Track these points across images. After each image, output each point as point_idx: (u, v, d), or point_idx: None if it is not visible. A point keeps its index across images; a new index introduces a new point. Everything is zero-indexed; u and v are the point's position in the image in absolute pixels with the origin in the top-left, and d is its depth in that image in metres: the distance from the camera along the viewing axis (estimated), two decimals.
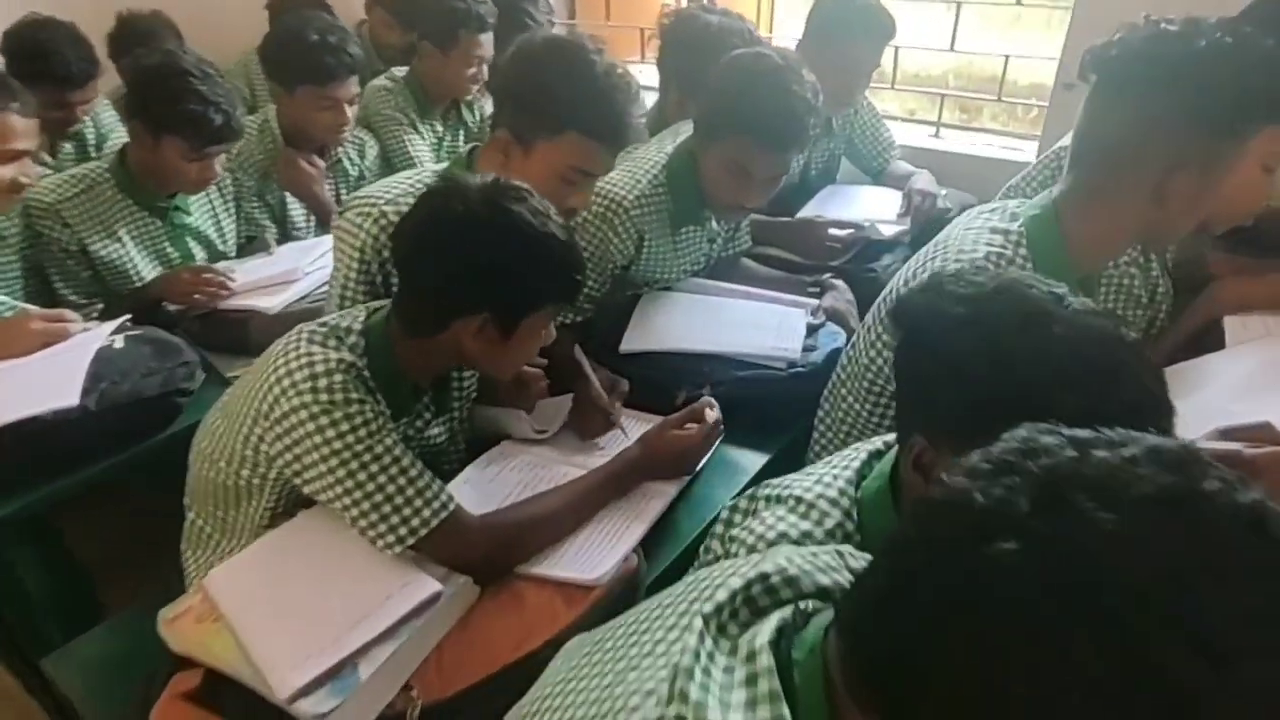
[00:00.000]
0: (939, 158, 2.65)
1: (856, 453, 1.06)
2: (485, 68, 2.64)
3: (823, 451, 1.59)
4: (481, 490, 1.42)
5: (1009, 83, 2.76)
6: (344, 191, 2.52)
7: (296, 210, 2.45)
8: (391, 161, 2.65)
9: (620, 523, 1.38)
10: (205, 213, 2.20)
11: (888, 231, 2.16)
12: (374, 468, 1.17)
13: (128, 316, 1.72)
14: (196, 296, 1.94)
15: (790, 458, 1.61)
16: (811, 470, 1.08)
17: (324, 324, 1.26)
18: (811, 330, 1.80)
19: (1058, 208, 1.29)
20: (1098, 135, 1.23)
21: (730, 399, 1.62)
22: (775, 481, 1.08)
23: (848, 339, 1.75)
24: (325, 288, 1.94)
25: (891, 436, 1.03)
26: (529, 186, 1.24)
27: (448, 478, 1.40)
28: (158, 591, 1.31)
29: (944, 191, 2.31)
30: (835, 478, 1.02)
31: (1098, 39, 1.18)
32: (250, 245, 2.32)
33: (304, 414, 1.16)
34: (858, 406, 1.52)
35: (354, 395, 1.17)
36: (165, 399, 1.63)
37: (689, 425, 1.47)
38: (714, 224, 1.96)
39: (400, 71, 2.73)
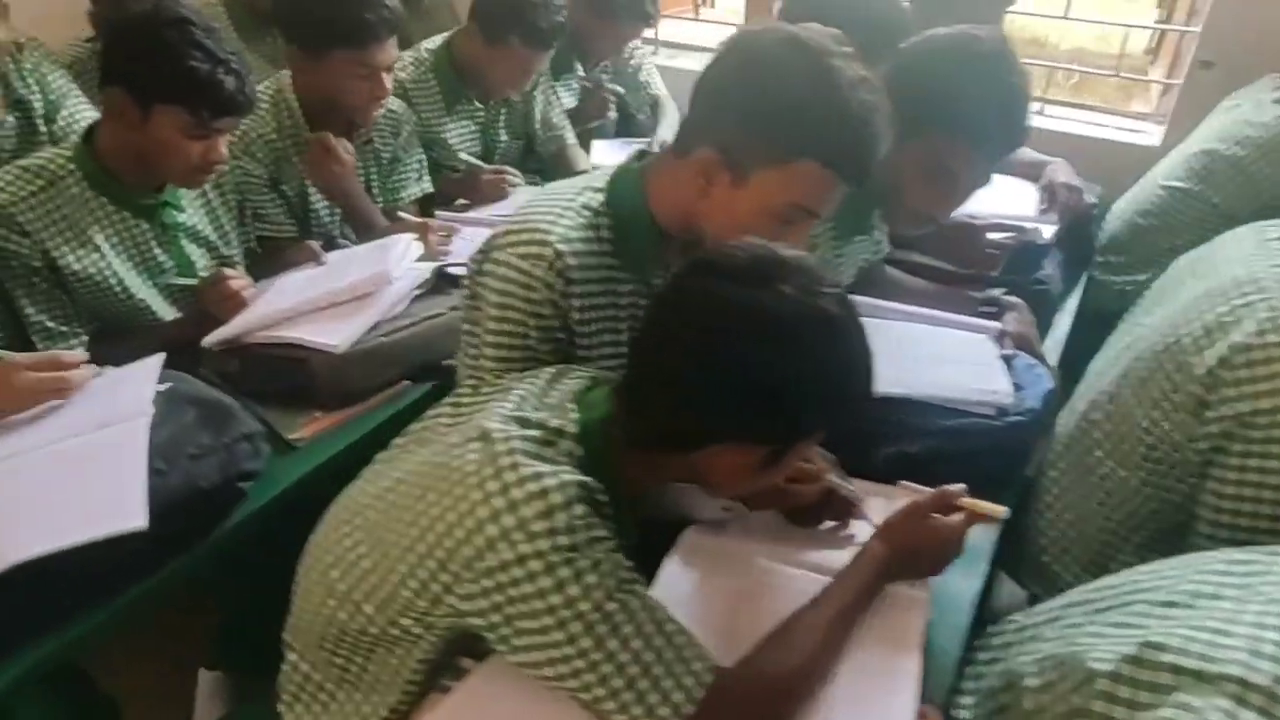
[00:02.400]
0: (1044, 139, 2.33)
1: None
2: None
3: (1068, 529, 1.32)
4: (688, 609, 1.08)
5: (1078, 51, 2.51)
6: (374, 180, 2.07)
7: (321, 205, 1.98)
8: (428, 146, 2.23)
9: (877, 652, 1.06)
10: (199, 209, 1.71)
11: (1046, 233, 1.87)
12: (627, 629, 0.84)
13: (160, 357, 1.30)
14: None
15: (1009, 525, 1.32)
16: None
17: (523, 419, 0.90)
18: (1005, 363, 1.50)
19: None
20: None
21: (934, 455, 1.32)
22: (1163, 639, 0.82)
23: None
24: (400, 317, 1.56)
25: None
26: (797, 257, 0.91)
27: None
28: None
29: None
30: None
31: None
32: (269, 249, 1.88)
33: (536, 564, 0.81)
34: (1123, 474, 1.24)
35: (598, 534, 0.84)
36: (226, 490, 1.18)
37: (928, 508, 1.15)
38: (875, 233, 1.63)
39: (431, 44, 2.28)
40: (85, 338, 1.56)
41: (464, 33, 2.19)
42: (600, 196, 1.18)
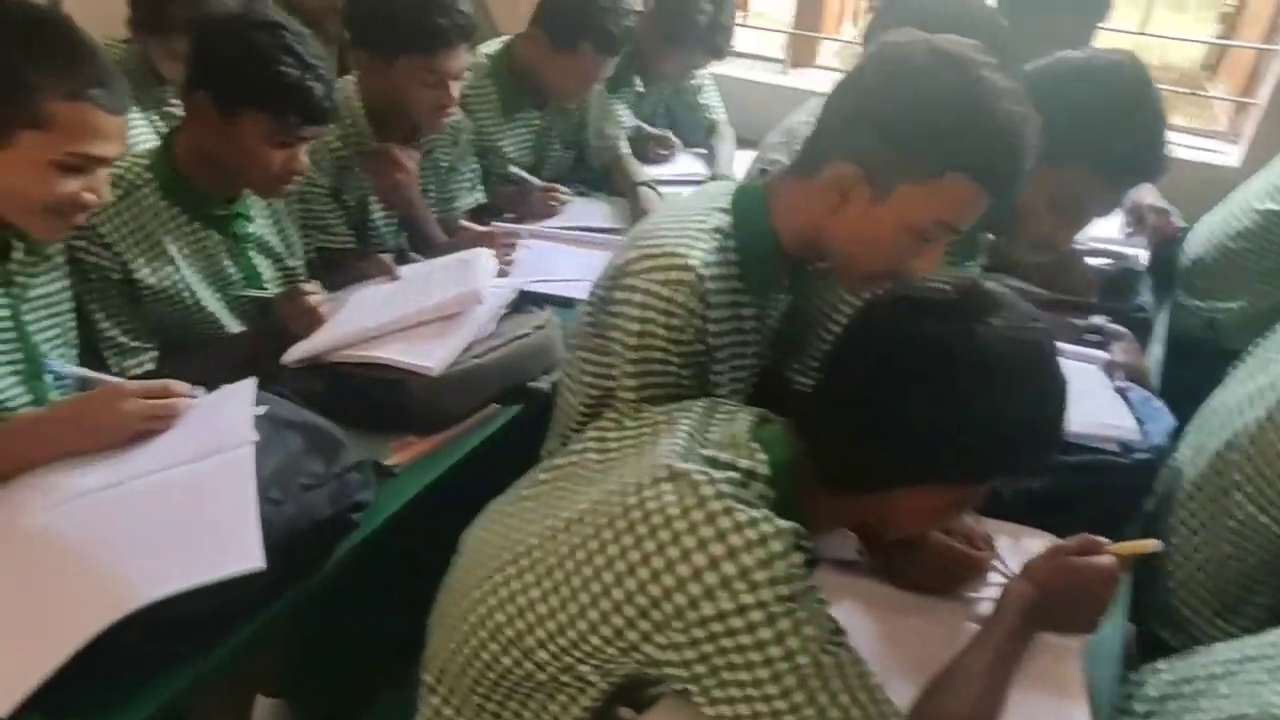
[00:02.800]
0: None
1: None
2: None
3: (1198, 571, 1.28)
4: None
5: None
6: (431, 190, 2.00)
7: (379, 215, 1.90)
8: (481, 154, 2.17)
9: (1042, 702, 1.00)
10: (266, 219, 1.64)
11: (1142, 258, 1.82)
12: (836, 684, 0.81)
13: (253, 381, 1.23)
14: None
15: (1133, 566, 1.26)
16: None
17: (713, 459, 0.87)
18: (1121, 395, 1.45)
19: None
20: None
21: (1059, 492, 1.26)
22: None
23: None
24: (489, 337, 1.49)
25: None
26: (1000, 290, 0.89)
27: None
28: None
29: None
30: None
31: None
32: (329, 261, 1.81)
33: (757, 615, 0.77)
34: (1264, 520, 1.19)
35: (811, 584, 0.82)
36: (339, 521, 1.12)
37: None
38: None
39: (488, 49, 2.21)
40: (155, 352, 1.49)
41: (526, 37, 2.13)
42: (727, 218, 1.12)
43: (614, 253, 1.16)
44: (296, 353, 1.45)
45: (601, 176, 2.42)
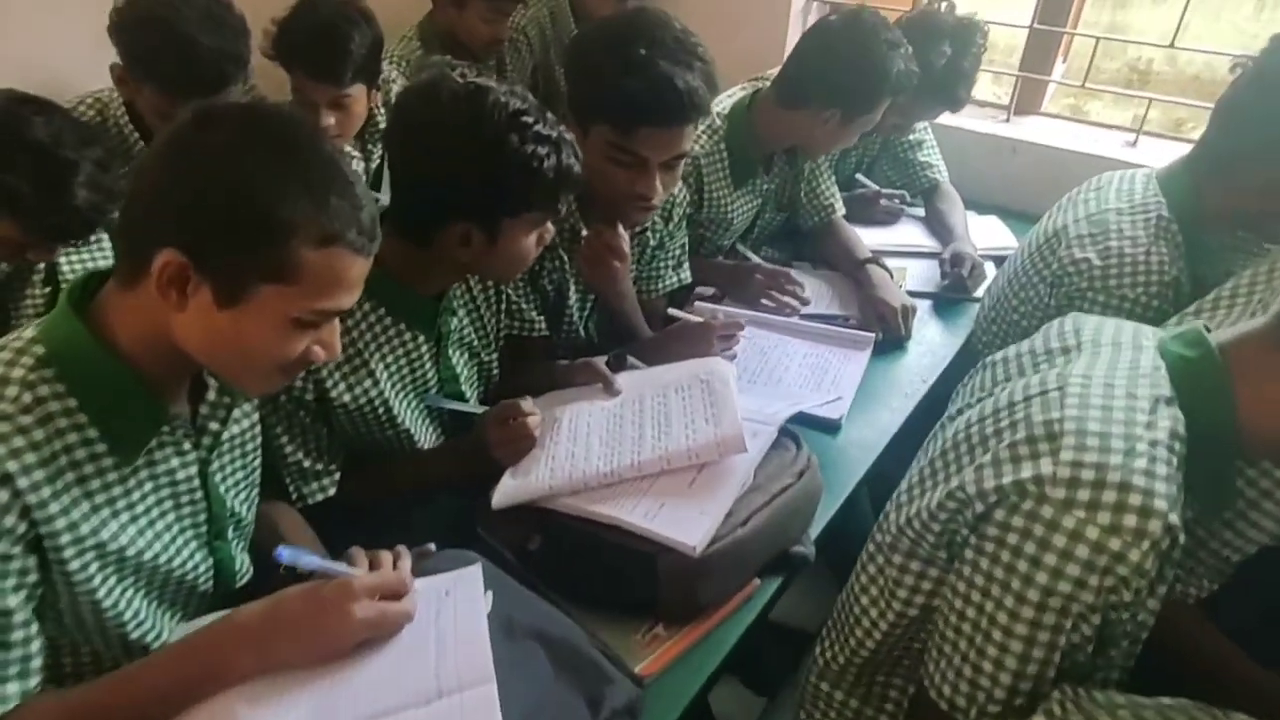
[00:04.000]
0: None
1: None
2: None
3: None
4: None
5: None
6: (632, 269, 1.72)
7: (575, 301, 1.64)
8: (703, 225, 1.89)
9: None
10: (463, 307, 1.40)
11: None
12: None
13: (477, 572, 0.96)
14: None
15: None
16: None
17: None
18: None
19: None
20: None
21: None
22: None
23: None
24: (750, 491, 1.19)
25: None
26: None
27: None
28: None
29: None
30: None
31: None
32: (518, 350, 1.54)
33: None
34: None
35: None
36: None
37: None
38: None
39: (721, 108, 1.88)
40: (337, 475, 1.26)
41: (768, 97, 1.83)
42: (1177, 416, 0.80)
43: (972, 428, 0.86)
44: (509, 495, 1.19)
45: (813, 240, 2.11)
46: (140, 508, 0.90)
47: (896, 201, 2.27)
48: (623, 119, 1.37)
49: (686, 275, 1.84)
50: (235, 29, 1.59)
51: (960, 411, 1.03)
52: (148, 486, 0.91)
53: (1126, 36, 3.36)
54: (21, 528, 0.79)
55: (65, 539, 0.82)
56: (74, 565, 0.84)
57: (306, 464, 1.22)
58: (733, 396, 1.24)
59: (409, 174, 1.19)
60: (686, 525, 1.06)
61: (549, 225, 1.26)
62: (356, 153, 2.05)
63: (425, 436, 1.36)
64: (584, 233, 1.54)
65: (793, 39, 2.45)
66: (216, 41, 1.55)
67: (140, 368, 0.86)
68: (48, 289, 1.55)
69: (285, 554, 0.86)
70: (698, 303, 1.83)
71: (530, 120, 1.13)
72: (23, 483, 0.78)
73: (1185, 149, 1.49)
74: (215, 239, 0.79)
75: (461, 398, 1.38)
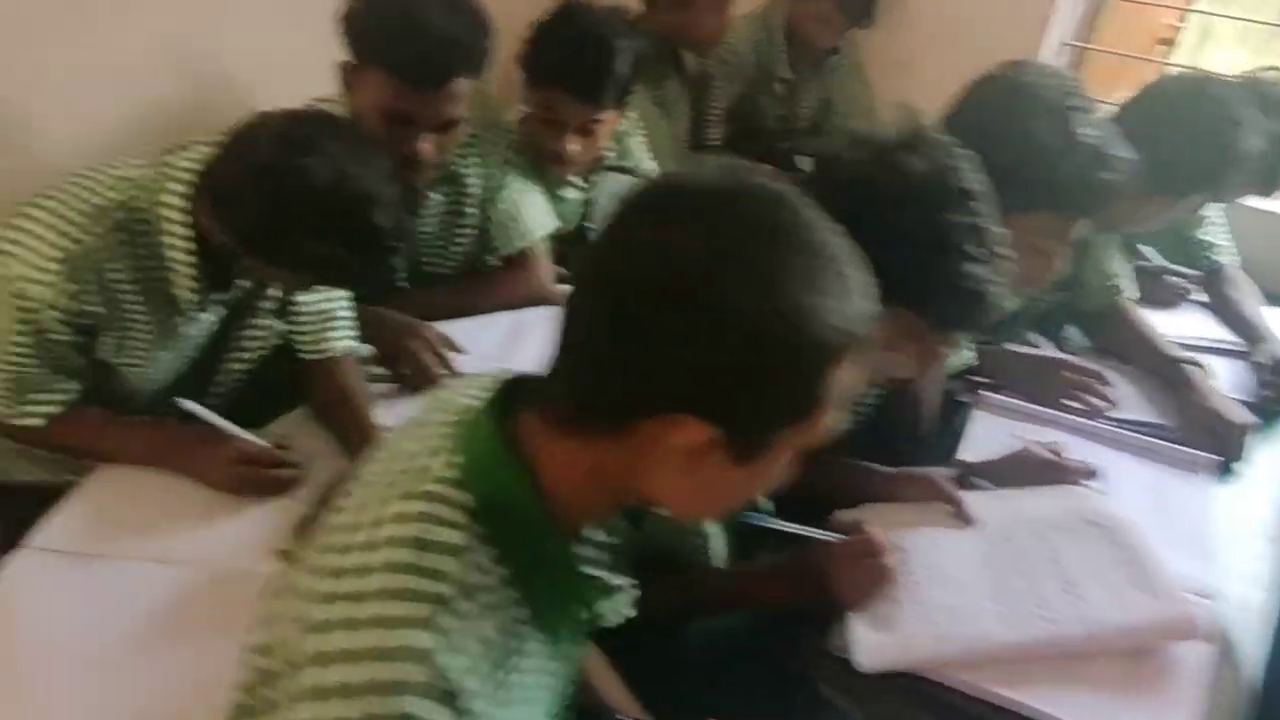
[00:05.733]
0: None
1: None
2: None
3: None
4: None
5: None
6: None
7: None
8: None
9: None
10: None
11: None
12: None
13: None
14: None
15: None
16: None
17: None
18: None
19: None
20: None
21: None
22: None
23: None
24: None
25: None
26: None
27: None
28: None
29: None
30: None
31: None
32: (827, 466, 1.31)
33: None
34: None
35: None
36: None
37: None
38: None
39: None
40: None
41: None
42: None
43: None
44: (881, 655, 0.96)
45: (1093, 326, 1.84)
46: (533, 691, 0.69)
47: (1182, 282, 1.98)
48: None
49: (971, 354, 1.59)
50: (472, 21, 1.43)
51: None
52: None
53: None
54: None
55: None
56: None
57: None
58: (1153, 554, 0.99)
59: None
60: None
61: None
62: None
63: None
64: None
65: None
66: (450, 28, 1.39)
67: (556, 522, 0.65)
68: (275, 319, 1.39)
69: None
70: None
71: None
72: (478, 706, 0.56)
73: None
74: (756, 401, 0.58)
75: None
